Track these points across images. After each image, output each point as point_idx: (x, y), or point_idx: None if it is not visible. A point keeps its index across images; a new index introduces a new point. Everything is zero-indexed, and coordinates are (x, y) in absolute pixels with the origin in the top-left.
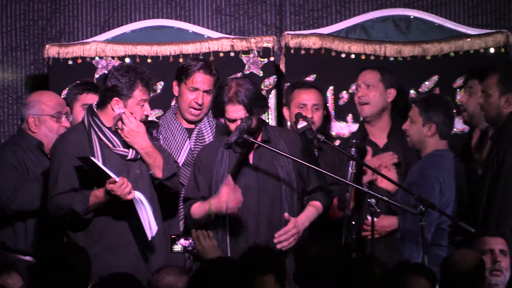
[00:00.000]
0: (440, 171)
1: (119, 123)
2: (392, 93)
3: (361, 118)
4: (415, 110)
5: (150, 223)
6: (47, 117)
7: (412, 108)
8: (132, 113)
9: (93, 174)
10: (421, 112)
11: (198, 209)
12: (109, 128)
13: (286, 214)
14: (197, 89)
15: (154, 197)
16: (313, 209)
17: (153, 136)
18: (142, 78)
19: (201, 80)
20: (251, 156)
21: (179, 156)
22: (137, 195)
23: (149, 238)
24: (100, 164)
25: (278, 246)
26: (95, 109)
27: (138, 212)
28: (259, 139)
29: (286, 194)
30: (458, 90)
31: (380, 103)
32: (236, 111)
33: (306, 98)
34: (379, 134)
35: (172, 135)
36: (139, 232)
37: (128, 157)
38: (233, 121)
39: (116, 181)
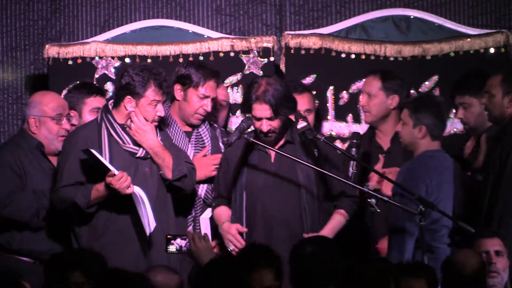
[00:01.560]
0: (427, 172)
1: (128, 121)
2: (395, 100)
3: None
4: (406, 112)
5: (148, 220)
6: (47, 119)
7: (403, 110)
8: (144, 113)
9: (97, 168)
10: (411, 114)
11: (216, 216)
12: (121, 125)
13: (305, 235)
14: (208, 96)
15: (165, 197)
16: (337, 220)
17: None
18: (156, 78)
19: (212, 88)
20: (273, 155)
21: None
22: (137, 190)
23: (147, 234)
24: (100, 156)
25: None
26: (110, 107)
27: (137, 207)
28: (283, 140)
29: (304, 196)
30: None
31: (381, 111)
32: (262, 110)
33: (298, 103)
34: (384, 138)
35: (175, 140)
36: (142, 229)
37: (138, 155)
38: (259, 119)
39: (115, 174)
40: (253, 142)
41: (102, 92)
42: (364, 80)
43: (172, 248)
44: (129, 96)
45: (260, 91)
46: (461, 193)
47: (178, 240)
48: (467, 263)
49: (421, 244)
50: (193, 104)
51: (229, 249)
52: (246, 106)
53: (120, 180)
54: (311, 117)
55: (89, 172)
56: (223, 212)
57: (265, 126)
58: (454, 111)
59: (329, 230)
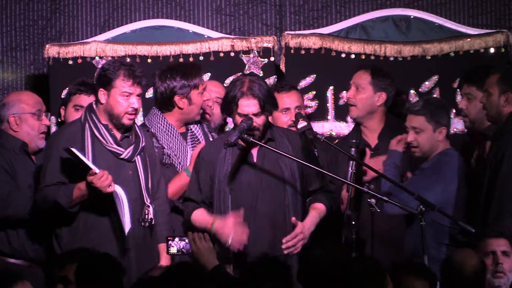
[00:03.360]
0: (450, 170)
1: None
2: (382, 97)
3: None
4: (421, 119)
5: (125, 220)
6: (28, 115)
7: (413, 118)
8: (116, 105)
9: (80, 167)
10: (429, 119)
11: (199, 218)
12: (105, 126)
13: (293, 219)
14: (205, 88)
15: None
16: (316, 212)
17: (157, 146)
18: (126, 68)
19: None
20: (255, 154)
21: (186, 161)
22: (117, 189)
23: (126, 233)
24: (80, 155)
25: (285, 252)
26: (94, 107)
27: (117, 205)
28: (265, 139)
29: (289, 193)
30: (458, 90)
31: (366, 106)
32: (250, 106)
33: (288, 101)
34: (371, 135)
35: (174, 142)
36: (122, 230)
37: (122, 156)
38: (245, 115)
39: (96, 173)
40: (253, 142)
41: (88, 92)
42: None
43: (173, 250)
44: (101, 89)
45: (245, 87)
46: (466, 191)
47: (179, 241)
48: (467, 263)
49: (422, 244)
50: (198, 102)
51: (227, 245)
52: (230, 105)
53: (101, 178)
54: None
55: (71, 171)
56: (204, 213)
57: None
58: (454, 111)
59: (309, 221)
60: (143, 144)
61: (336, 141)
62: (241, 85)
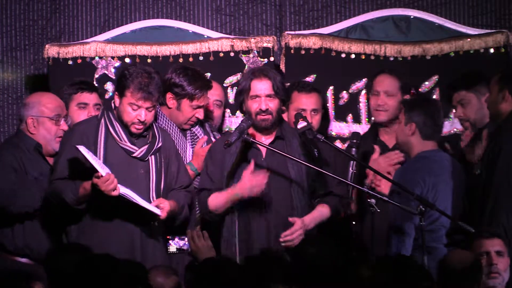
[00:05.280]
0: (421, 174)
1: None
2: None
3: (373, 119)
4: (402, 111)
5: (150, 206)
6: (46, 119)
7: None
8: (123, 113)
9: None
10: (405, 111)
11: (216, 198)
12: (121, 123)
13: (290, 219)
14: (202, 106)
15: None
16: (320, 212)
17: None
18: (139, 81)
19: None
20: (264, 152)
21: (186, 157)
22: (123, 191)
23: (161, 215)
24: (88, 156)
25: (283, 245)
26: (113, 106)
27: (134, 202)
28: (273, 134)
29: (296, 192)
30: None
31: (396, 110)
32: (262, 86)
33: (306, 102)
34: (391, 135)
35: (174, 138)
36: (130, 226)
37: (134, 155)
38: (257, 97)
39: (102, 176)
40: (253, 142)
41: (91, 89)
42: (376, 79)
43: (172, 248)
44: (116, 92)
45: (257, 70)
46: (462, 192)
47: (178, 240)
48: (460, 262)
49: (422, 244)
50: (187, 114)
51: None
52: (241, 94)
53: (106, 182)
54: (317, 117)
55: (82, 168)
56: (219, 193)
57: (263, 104)
58: (454, 111)
59: (309, 218)
60: (159, 144)
61: (338, 141)
62: (254, 69)
